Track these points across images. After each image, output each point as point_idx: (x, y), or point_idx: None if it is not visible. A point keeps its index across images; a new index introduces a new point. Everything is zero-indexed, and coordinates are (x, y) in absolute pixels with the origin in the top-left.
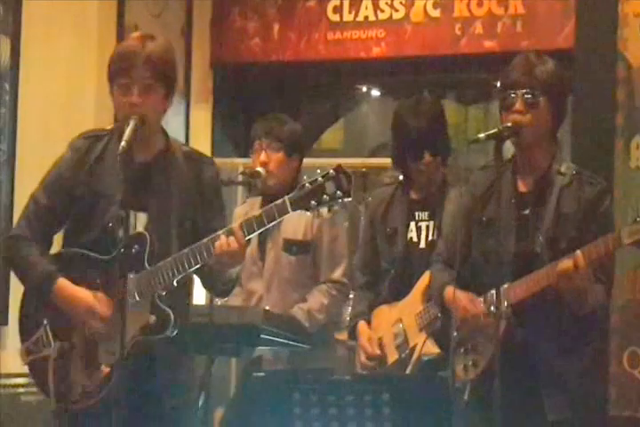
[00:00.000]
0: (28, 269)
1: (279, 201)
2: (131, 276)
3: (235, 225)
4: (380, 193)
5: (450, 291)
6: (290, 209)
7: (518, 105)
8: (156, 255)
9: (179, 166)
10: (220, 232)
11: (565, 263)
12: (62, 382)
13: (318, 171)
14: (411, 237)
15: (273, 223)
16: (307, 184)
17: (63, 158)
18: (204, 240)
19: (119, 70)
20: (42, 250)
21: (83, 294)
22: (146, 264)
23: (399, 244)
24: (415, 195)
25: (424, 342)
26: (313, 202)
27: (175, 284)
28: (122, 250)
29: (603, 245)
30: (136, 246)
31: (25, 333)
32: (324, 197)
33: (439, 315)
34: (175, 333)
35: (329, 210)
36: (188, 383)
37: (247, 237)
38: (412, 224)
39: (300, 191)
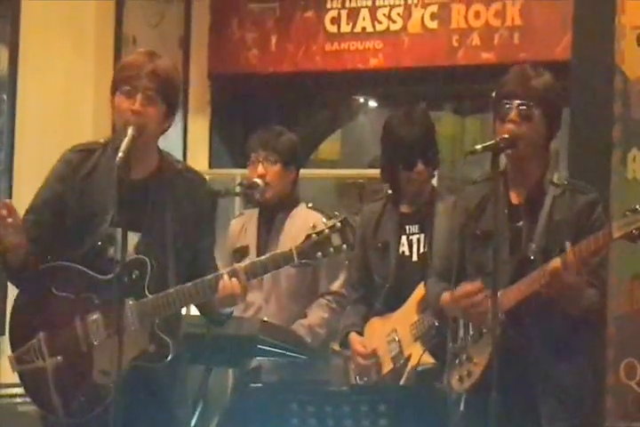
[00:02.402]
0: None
1: (287, 250)
2: (130, 302)
3: (240, 266)
4: (369, 209)
5: (445, 296)
6: (296, 260)
7: (513, 115)
8: (154, 281)
9: (172, 186)
10: (225, 271)
11: (556, 261)
12: (58, 395)
13: (323, 220)
14: (403, 251)
15: (276, 270)
16: (313, 235)
17: (53, 172)
18: (209, 277)
19: (125, 78)
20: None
21: None
22: (146, 291)
23: (391, 258)
24: (405, 208)
25: (422, 353)
26: (319, 253)
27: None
28: (122, 273)
29: (593, 241)
30: (136, 272)
31: (16, 341)
32: (330, 249)
33: (435, 324)
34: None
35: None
36: (181, 394)
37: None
38: (404, 238)
39: (306, 242)
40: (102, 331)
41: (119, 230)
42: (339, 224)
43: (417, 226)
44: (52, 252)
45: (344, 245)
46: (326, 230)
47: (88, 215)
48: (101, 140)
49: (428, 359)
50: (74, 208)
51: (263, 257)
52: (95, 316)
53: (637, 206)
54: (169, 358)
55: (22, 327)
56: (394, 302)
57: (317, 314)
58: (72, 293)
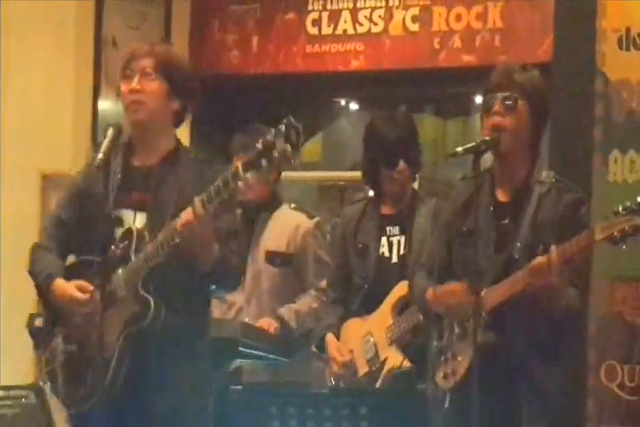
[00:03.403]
0: (37, 275)
1: (232, 167)
2: (119, 270)
3: (196, 197)
4: (350, 210)
5: (430, 292)
6: (242, 172)
7: (497, 107)
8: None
9: (185, 168)
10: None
11: (539, 259)
12: (69, 385)
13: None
14: (382, 252)
15: (229, 190)
16: (258, 144)
17: (81, 171)
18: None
19: (125, 64)
20: (54, 257)
21: (67, 286)
22: (132, 257)
23: (371, 259)
24: (386, 210)
25: (402, 360)
26: (263, 160)
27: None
28: (113, 248)
29: (575, 242)
30: (125, 242)
31: (40, 344)
32: (274, 153)
33: (411, 327)
34: (161, 319)
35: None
36: (192, 385)
37: (209, 207)
38: (384, 239)
39: (251, 153)
40: (99, 307)
41: (126, 212)
42: (282, 127)
43: (397, 227)
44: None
45: (288, 146)
46: (269, 136)
47: (100, 200)
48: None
49: (405, 363)
50: (91, 196)
51: (216, 182)
52: (97, 296)
53: (620, 208)
54: (149, 316)
55: (44, 330)
56: (372, 303)
57: (307, 302)
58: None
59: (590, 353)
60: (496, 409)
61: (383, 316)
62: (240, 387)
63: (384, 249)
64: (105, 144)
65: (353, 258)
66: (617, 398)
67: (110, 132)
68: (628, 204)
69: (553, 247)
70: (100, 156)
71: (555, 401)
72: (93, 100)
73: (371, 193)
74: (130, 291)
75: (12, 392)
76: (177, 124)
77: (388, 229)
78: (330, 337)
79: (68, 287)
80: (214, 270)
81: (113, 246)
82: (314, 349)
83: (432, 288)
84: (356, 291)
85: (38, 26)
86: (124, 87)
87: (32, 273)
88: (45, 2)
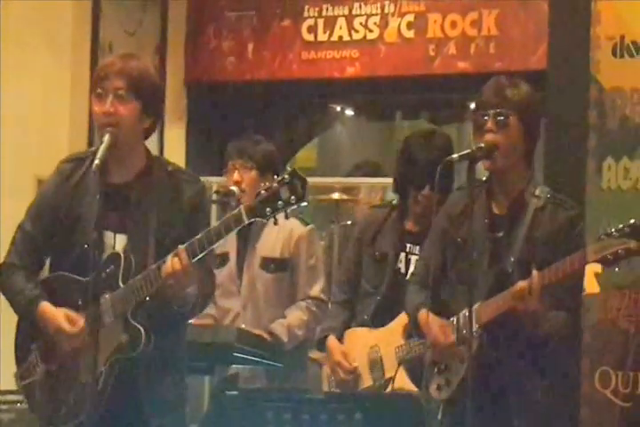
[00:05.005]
0: (15, 296)
1: (235, 211)
2: (106, 296)
3: (181, 246)
4: (371, 214)
5: (422, 315)
6: (246, 219)
7: (489, 124)
8: (132, 274)
9: (160, 187)
10: (169, 255)
11: (520, 284)
12: (49, 403)
13: (275, 176)
14: (399, 267)
15: (230, 234)
16: (262, 191)
17: (47, 183)
18: (161, 260)
19: (96, 80)
20: (29, 276)
21: (56, 314)
22: (120, 283)
23: (387, 271)
24: (410, 225)
25: (407, 384)
26: (268, 209)
27: (147, 299)
28: (98, 271)
29: (569, 263)
30: (111, 267)
31: (19, 359)
32: (279, 202)
33: (419, 349)
34: (150, 348)
35: (286, 217)
36: (174, 401)
37: (199, 256)
38: (402, 255)
39: (255, 200)
40: (86, 330)
41: (107, 234)
42: (287, 177)
43: (418, 247)
44: (49, 257)
45: (292, 197)
46: (274, 185)
47: (77, 222)
48: (92, 149)
49: (410, 386)
50: (65, 215)
51: (212, 226)
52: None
53: (613, 230)
54: (140, 347)
55: (23, 345)
56: (380, 316)
57: (297, 315)
58: (61, 301)
59: (584, 360)
60: (489, 421)
61: (393, 333)
62: (236, 392)
63: (401, 265)
64: (101, 151)
65: (366, 264)
66: (611, 405)
67: (107, 138)
68: (621, 226)
69: (534, 272)
70: (97, 162)
71: (548, 413)
72: (90, 105)
73: (394, 201)
74: (118, 319)
75: (7, 397)
76: (147, 138)
77: (408, 245)
78: (332, 340)
79: (56, 316)
80: (193, 311)
81: (98, 270)
82: (314, 355)
83: (425, 310)
84: (363, 298)
85: (35, 32)
86: (96, 108)
87: (6, 292)
88: (42, 8)
